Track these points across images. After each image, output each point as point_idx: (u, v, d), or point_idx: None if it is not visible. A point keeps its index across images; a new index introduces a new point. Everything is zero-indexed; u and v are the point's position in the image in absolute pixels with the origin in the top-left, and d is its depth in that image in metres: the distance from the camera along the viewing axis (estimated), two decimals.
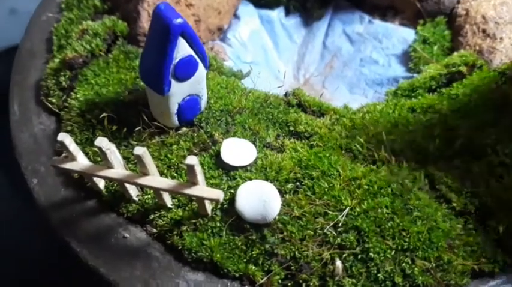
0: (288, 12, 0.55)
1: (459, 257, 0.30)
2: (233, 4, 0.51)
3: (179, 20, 0.30)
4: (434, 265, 0.29)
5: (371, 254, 0.30)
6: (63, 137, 0.30)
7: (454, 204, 0.32)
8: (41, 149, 0.39)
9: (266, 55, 0.51)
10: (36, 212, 0.37)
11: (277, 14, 0.54)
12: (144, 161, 0.28)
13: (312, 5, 0.54)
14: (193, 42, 0.32)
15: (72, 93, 0.40)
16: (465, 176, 0.32)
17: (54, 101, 0.40)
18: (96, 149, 0.35)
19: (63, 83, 0.41)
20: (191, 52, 0.32)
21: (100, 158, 0.35)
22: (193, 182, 0.29)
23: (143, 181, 0.29)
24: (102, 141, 0.29)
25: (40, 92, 0.42)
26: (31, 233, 0.65)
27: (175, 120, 0.36)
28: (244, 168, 0.34)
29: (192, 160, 0.27)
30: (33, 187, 0.37)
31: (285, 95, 0.41)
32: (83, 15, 0.47)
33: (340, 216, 0.31)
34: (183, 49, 0.31)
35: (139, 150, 0.28)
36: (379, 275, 0.29)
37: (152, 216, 0.33)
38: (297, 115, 0.38)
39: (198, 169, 0.28)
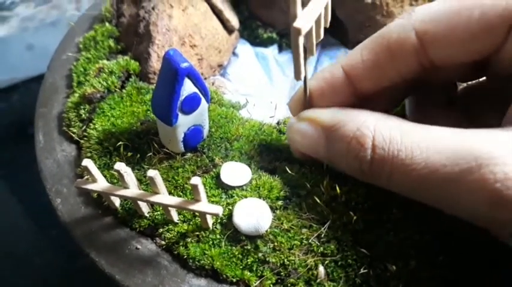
0: (281, 49, 0.59)
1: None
2: (232, 43, 0.56)
3: (185, 64, 0.34)
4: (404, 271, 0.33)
5: (349, 260, 0.33)
6: (87, 163, 0.34)
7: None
8: (63, 173, 0.42)
9: (261, 88, 0.55)
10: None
11: (271, 51, 0.58)
12: (156, 182, 0.33)
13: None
14: (197, 81, 0.36)
15: (91, 124, 0.43)
16: None
17: (75, 130, 0.44)
18: (112, 172, 0.40)
19: (83, 115, 0.44)
20: (195, 90, 0.36)
21: (116, 180, 0.39)
22: (196, 199, 0.33)
23: (154, 198, 0.33)
24: (120, 165, 0.33)
25: (62, 123, 0.46)
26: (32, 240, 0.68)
27: (182, 147, 0.40)
28: (240, 187, 0.37)
29: (195, 180, 0.31)
30: (57, 205, 0.40)
31: (277, 123, 0.45)
32: (99, 54, 0.51)
33: (323, 228, 0.34)
34: (188, 88, 0.36)
35: (152, 173, 0.32)
36: (356, 279, 0.33)
37: (161, 230, 0.36)
38: (287, 142, 0.42)
39: (201, 188, 0.32)
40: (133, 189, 0.35)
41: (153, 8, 0.48)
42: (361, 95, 0.35)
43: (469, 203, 0.27)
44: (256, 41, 0.59)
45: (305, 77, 0.33)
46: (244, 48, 0.58)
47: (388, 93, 0.37)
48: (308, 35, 0.30)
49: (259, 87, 0.56)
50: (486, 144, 0.26)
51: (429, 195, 0.29)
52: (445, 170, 0.27)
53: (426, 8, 0.33)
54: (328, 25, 0.33)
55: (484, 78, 0.38)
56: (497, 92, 0.35)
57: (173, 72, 0.34)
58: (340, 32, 0.59)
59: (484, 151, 0.26)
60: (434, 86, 0.39)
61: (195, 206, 0.33)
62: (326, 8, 0.31)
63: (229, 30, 0.55)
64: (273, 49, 0.58)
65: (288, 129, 0.37)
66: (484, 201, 0.26)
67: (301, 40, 0.28)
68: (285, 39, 0.59)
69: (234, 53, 0.57)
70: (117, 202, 0.38)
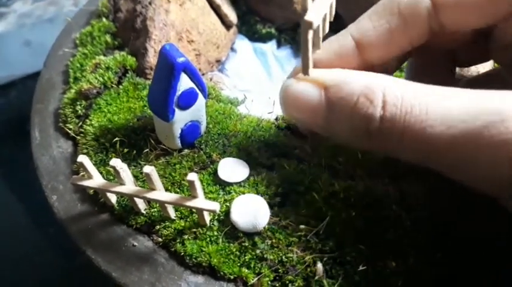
0: (279, 45, 0.58)
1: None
2: (230, 39, 0.56)
3: (182, 59, 0.34)
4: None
5: (348, 258, 0.33)
6: (83, 159, 0.34)
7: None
8: (59, 170, 0.42)
9: (260, 84, 0.55)
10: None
11: (269, 47, 0.57)
12: (152, 178, 0.33)
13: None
14: (194, 76, 0.36)
15: (87, 120, 0.43)
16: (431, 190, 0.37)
17: (71, 127, 0.44)
18: (109, 168, 0.39)
19: (79, 111, 0.44)
20: (192, 85, 0.36)
21: (113, 177, 0.39)
22: (193, 196, 0.33)
23: (151, 195, 0.33)
24: (116, 162, 0.33)
25: (58, 119, 0.45)
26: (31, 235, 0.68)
27: (179, 143, 0.39)
28: (238, 184, 0.37)
29: (192, 176, 0.31)
30: (53, 202, 0.40)
31: (276, 119, 0.44)
32: (96, 50, 0.50)
33: (321, 225, 0.34)
34: (185, 83, 0.35)
35: (148, 169, 0.32)
36: (355, 276, 0.32)
37: (158, 227, 0.36)
38: (285, 137, 0.42)
39: (198, 184, 0.32)
40: (129, 185, 0.34)
41: (150, 3, 0.48)
42: (369, 66, 0.34)
43: (488, 163, 0.25)
44: (254, 36, 0.58)
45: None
46: (243, 43, 0.57)
47: (392, 63, 0.35)
48: (316, 29, 0.29)
49: (257, 83, 0.55)
50: (508, 100, 0.25)
51: (444, 158, 0.27)
52: (464, 125, 0.25)
53: None
54: (332, 19, 0.32)
55: (486, 70, 0.38)
56: (501, 82, 0.34)
57: (169, 67, 0.34)
58: (338, 26, 0.58)
59: (507, 105, 0.24)
60: (435, 56, 0.37)
61: (192, 203, 0.32)
62: (332, 2, 0.31)
63: (227, 25, 0.55)
64: (271, 44, 0.58)
65: (282, 92, 0.32)
66: (507, 157, 0.24)
67: (310, 34, 0.28)
68: (284, 34, 0.59)
69: (232, 49, 0.57)
70: (113, 198, 0.38)
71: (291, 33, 0.59)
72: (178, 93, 0.35)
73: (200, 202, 0.33)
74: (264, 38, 0.58)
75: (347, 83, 0.29)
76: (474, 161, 0.25)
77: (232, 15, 0.55)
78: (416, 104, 0.26)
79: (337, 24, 0.57)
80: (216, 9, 0.53)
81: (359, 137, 0.29)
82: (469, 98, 0.26)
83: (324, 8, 0.29)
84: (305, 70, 0.30)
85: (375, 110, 0.28)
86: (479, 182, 0.27)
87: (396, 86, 0.27)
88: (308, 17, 0.27)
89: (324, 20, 0.31)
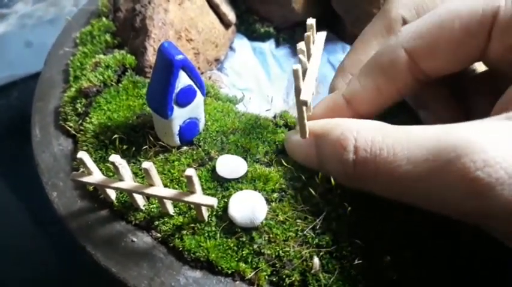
0: (278, 44, 0.59)
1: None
2: (229, 38, 0.56)
3: (180, 56, 0.34)
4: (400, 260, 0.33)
5: (344, 252, 0.33)
6: (82, 155, 0.34)
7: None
8: (59, 167, 0.43)
9: (258, 82, 0.55)
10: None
11: (268, 46, 0.58)
12: (150, 174, 0.33)
13: (300, 37, 0.59)
14: (192, 74, 0.36)
15: (87, 118, 0.43)
16: None
17: (71, 125, 0.44)
18: (108, 165, 0.40)
19: (79, 109, 0.45)
20: (190, 82, 0.36)
21: (112, 173, 0.39)
22: (191, 191, 0.33)
23: (150, 190, 0.33)
24: (115, 158, 0.33)
25: (59, 117, 0.46)
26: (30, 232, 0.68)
27: (177, 140, 0.40)
28: (236, 180, 0.38)
29: (190, 171, 0.31)
30: (53, 199, 0.40)
31: (274, 117, 0.45)
32: (96, 49, 0.51)
33: (318, 220, 0.34)
34: (183, 80, 0.36)
35: (147, 164, 0.32)
36: (351, 270, 0.33)
37: (157, 223, 0.36)
38: (283, 135, 0.42)
39: (196, 179, 0.32)
40: (128, 181, 0.35)
41: (149, 2, 0.48)
42: (362, 116, 0.37)
43: (454, 197, 0.27)
44: (253, 35, 0.58)
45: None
46: (241, 42, 0.58)
47: (385, 107, 0.38)
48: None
49: (256, 81, 0.56)
50: (465, 134, 0.26)
51: (415, 194, 0.29)
52: (427, 164, 0.27)
53: (411, 26, 0.34)
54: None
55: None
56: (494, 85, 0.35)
57: (168, 64, 0.34)
58: (337, 26, 0.59)
59: (463, 140, 0.26)
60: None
61: (190, 198, 0.33)
62: (316, 77, 0.37)
63: (226, 24, 0.55)
64: (270, 44, 0.58)
65: (286, 141, 0.40)
66: (468, 191, 0.26)
67: (305, 108, 0.34)
68: (282, 33, 0.59)
69: (231, 48, 0.57)
70: (112, 195, 0.38)
71: (290, 32, 0.59)
72: (177, 90, 0.36)
73: (198, 197, 0.33)
74: (262, 37, 0.58)
75: (328, 131, 0.34)
76: (443, 196, 0.27)
77: (231, 14, 0.55)
78: (384, 147, 0.29)
79: (337, 25, 0.58)
80: (215, 8, 0.54)
81: (342, 177, 0.33)
82: (433, 135, 0.28)
83: (312, 85, 0.35)
84: (303, 134, 0.36)
85: (348, 156, 0.31)
86: (453, 213, 0.29)
87: (367, 131, 0.31)
88: (303, 97, 0.32)
89: (313, 93, 0.36)
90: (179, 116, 0.38)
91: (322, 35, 0.39)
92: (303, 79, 0.34)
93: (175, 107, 0.37)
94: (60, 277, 0.67)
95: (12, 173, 0.80)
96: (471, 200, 0.26)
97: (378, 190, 0.31)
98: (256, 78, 0.56)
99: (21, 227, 0.73)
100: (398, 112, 0.42)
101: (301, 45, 0.35)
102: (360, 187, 0.33)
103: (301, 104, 0.33)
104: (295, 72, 0.31)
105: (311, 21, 0.37)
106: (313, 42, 0.39)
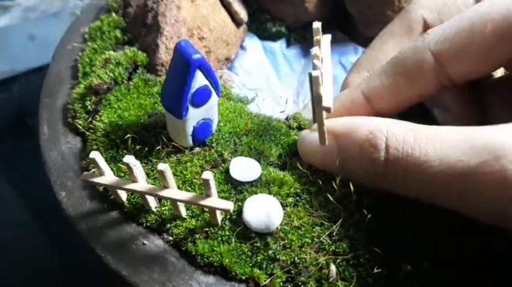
0: (289, 44, 0.58)
1: None
2: (240, 37, 0.55)
3: (197, 56, 0.33)
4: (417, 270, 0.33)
5: (361, 260, 0.33)
6: (95, 155, 0.33)
7: None
8: (68, 166, 0.42)
9: (269, 83, 0.55)
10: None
11: (279, 46, 0.57)
12: (166, 176, 0.32)
13: (311, 37, 0.58)
14: (208, 74, 0.35)
15: (97, 116, 0.42)
16: None
17: (80, 122, 0.43)
18: (119, 165, 0.39)
19: (89, 107, 0.44)
20: (206, 82, 0.36)
21: (123, 174, 0.38)
22: (207, 195, 0.33)
23: (164, 193, 0.33)
24: (130, 159, 0.32)
25: (67, 115, 0.45)
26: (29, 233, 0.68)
27: (190, 141, 0.39)
28: (250, 183, 0.37)
29: (207, 175, 0.31)
30: (62, 199, 0.39)
31: (286, 118, 0.44)
32: (106, 45, 0.50)
33: (335, 226, 0.34)
34: (199, 80, 0.35)
35: (162, 166, 0.31)
36: (368, 279, 0.32)
37: (169, 225, 0.36)
38: (297, 137, 0.41)
39: (212, 183, 0.32)
40: (142, 183, 0.34)
41: None
42: (379, 115, 0.36)
43: (488, 199, 0.26)
44: (264, 34, 0.58)
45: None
46: (252, 41, 0.57)
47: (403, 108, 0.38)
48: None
49: (266, 81, 0.55)
50: (502, 137, 0.26)
51: (447, 195, 0.29)
52: (461, 165, 0.27)
53: (439, 29, 0.34)
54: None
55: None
56: None
57: (185, 63, 0.33)
58: (348, 26, 0.58)
59: (498, 142, 0.26)
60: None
61: (206, 202, 0.32)
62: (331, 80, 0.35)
63: (237, 23, 0.54)
64: (281, 43, 0.58)
65: (299, 142, 0.38)
66: (505, 193, 0.25)
67: (325, 114, 0.33)
68: (294, 33, 0.58)
69: (241, 47, 0.57)
70: (123, 196, 0.37)
71: (301, 32, 0.58)
72: (193, 90, 0.35)
73: (214, 201, 0.32)
74: (273, 37, 0.58)
75: (353, 131, 0.33)
76: (476, 198, 0.27)
77: (242, 13, 0.54)
78: (416, 147, 0.29)
79: (349, 26, 0.57)
80: (227, 6, 0.53)
81: (369, 177, 0.32)
82: (466, 136, 0.28)
83: (331, 90, 0.34)
84: (322, 140, 0.34)
85: (379, 154, 0.31)
86: (485, 216, 0.28)
87: (398, 130, 0.30)
88: (326, 103, 0.31)
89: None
90: (193, 116, 0.37)
91: (328, 38, 0.38)
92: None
93: (190, 108, 0.36)
94: (61, 276, 0.67)
95: (13, 168, 0.79)
96: (509, 204, 0.26)
97: (407, 190, 0.31)
98: (266, 78, 0.56)
99: (20, 224, 0.72)
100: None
101: (315, 50, 0.34)
102: (388, 187, 0.32)
103: (323, 110, 0.32)
104: (315, 79, 0.30)
105: (317, 24, 0.36)
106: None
